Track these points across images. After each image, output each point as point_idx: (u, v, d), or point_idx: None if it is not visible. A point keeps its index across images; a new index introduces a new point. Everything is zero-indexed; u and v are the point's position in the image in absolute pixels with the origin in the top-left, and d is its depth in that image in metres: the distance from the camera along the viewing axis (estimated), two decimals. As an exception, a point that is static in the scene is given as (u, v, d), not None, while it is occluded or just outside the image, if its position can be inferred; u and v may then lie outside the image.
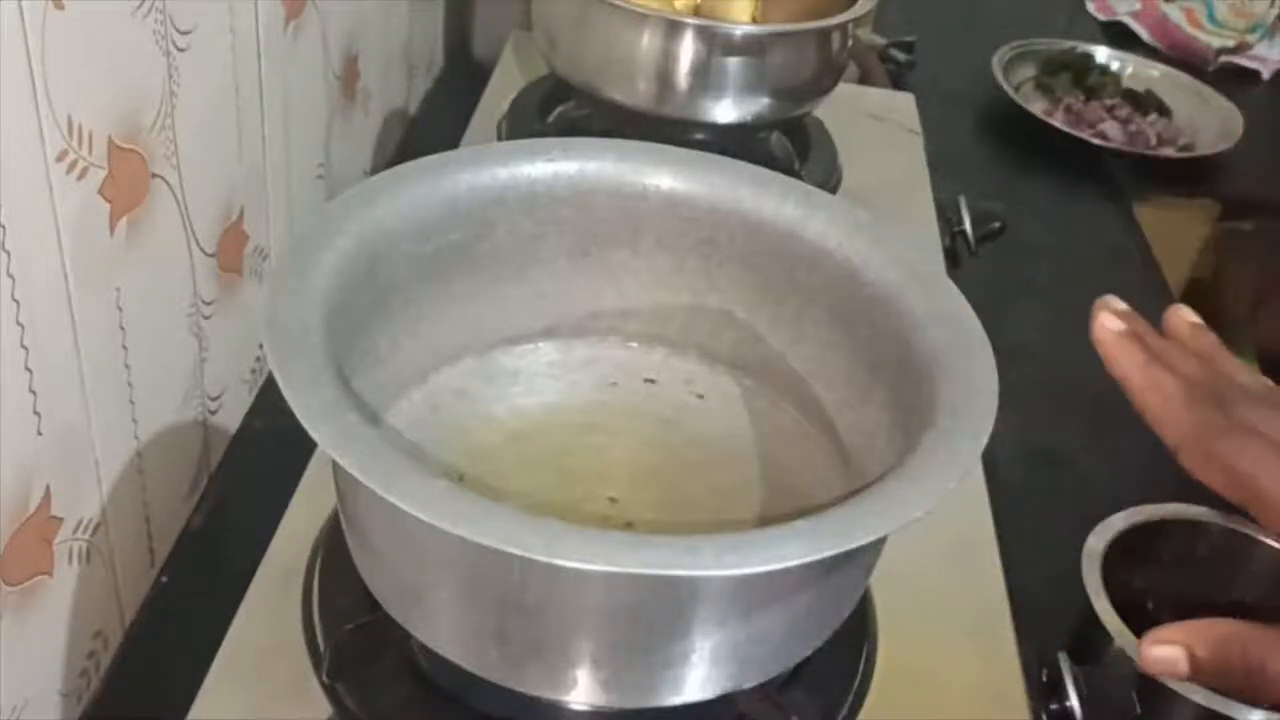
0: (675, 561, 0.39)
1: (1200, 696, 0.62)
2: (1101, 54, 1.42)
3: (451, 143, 0.91)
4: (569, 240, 0.60)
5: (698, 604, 0.44)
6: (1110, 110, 1.32)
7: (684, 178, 0.59)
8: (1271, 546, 0.72)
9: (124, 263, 0.57)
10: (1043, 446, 0.83)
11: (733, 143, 0.79)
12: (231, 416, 0.74)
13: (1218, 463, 0.44)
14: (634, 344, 0.63)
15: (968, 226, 0.95)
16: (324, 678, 0.52)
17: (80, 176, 0.52)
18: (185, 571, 0.65)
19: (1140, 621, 0.66)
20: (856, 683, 0.55)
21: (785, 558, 0.40)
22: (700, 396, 0.62)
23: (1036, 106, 1.31)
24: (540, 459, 0.57)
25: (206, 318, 0.68)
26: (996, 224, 0.96)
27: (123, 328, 0.58)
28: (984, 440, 0.45)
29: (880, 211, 0.59)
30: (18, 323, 0.49)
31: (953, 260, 0.92)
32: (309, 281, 0.48)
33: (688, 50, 0.82)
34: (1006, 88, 1.31)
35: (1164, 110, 1.32)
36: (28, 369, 0.50)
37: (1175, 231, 1.21)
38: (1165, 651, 0.39)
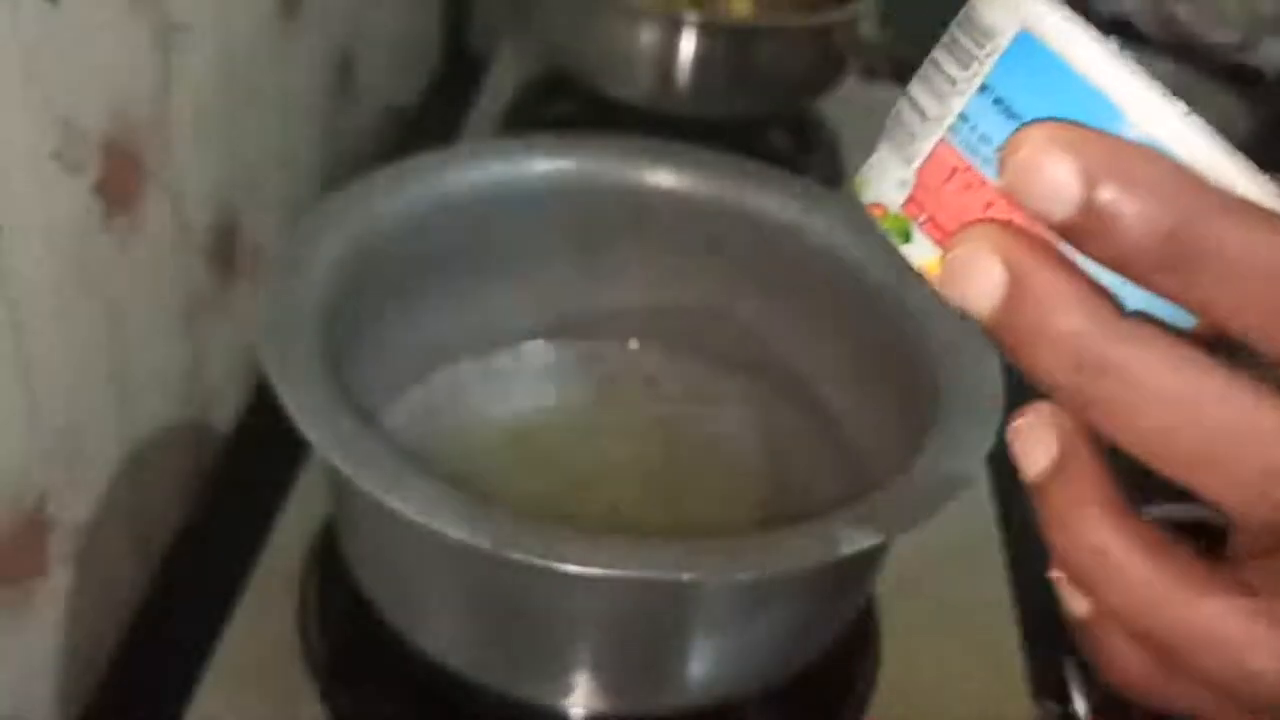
0: (676, 565, 0.39)
1: (1206, 699, 0.62)
2: (1105, 50, 1.41)
3: (450, 139, 0.90)
4: (569, 238, 0.59)
5: (699, 608, 0.44)
6: (1114, 107, 1.31)
7: (685, 175, 0.59)
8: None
9: (118, 261, 0.57)
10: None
11: (734, 139, 0.78)
12: (227, 417, 0.73)
13: None
14: (634, 344, 0.62)
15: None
16: (320, 681, 0.51)
17: (74, 175, 0.51)
18: (180, 574, 0.65)
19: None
20: (861, 686, 0.54)
21: (787, 562, 0.39)
22: (700, 397, 0.61)
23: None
24: (539, 460, 0.57)
25: (203, 316, 0.67)
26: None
27: (118, 326, 0.57)
28: (990, 442, 0.44)
29: (883, 209, 0.58)
30: (12, 323, 0.48)
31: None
32: (305, 281, 0.48)
33: (688, 46, 0.81)
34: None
35: (1168, 107, 1.31)
36: (22, 369, 0.50)
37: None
38: (1043, 164, 0.20)
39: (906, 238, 0.24)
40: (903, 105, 0.25)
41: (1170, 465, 0.21)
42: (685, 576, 0.39)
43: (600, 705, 0.46)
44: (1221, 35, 1.50)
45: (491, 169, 0.57)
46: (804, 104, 0.92)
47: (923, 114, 0.24)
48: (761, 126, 0.93)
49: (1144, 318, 0.21)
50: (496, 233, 0.57)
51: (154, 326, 0.62)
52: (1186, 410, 0.20)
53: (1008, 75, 0.22)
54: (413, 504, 0.39)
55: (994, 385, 0.47)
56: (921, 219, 0.24)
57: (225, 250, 0.69)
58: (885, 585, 0.55)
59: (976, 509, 0.67)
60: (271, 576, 0.57)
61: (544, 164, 0.57)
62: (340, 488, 0.49)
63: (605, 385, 0.61)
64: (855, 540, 0.40)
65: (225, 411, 0.73)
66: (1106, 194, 0.20)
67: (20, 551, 0.52)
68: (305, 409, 0.41)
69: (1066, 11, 0.22)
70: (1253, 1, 1.53)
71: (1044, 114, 0.21)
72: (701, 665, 0.45)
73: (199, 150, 0.64)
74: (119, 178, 0.55)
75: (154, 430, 0.63)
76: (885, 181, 0.25)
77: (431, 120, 1.04)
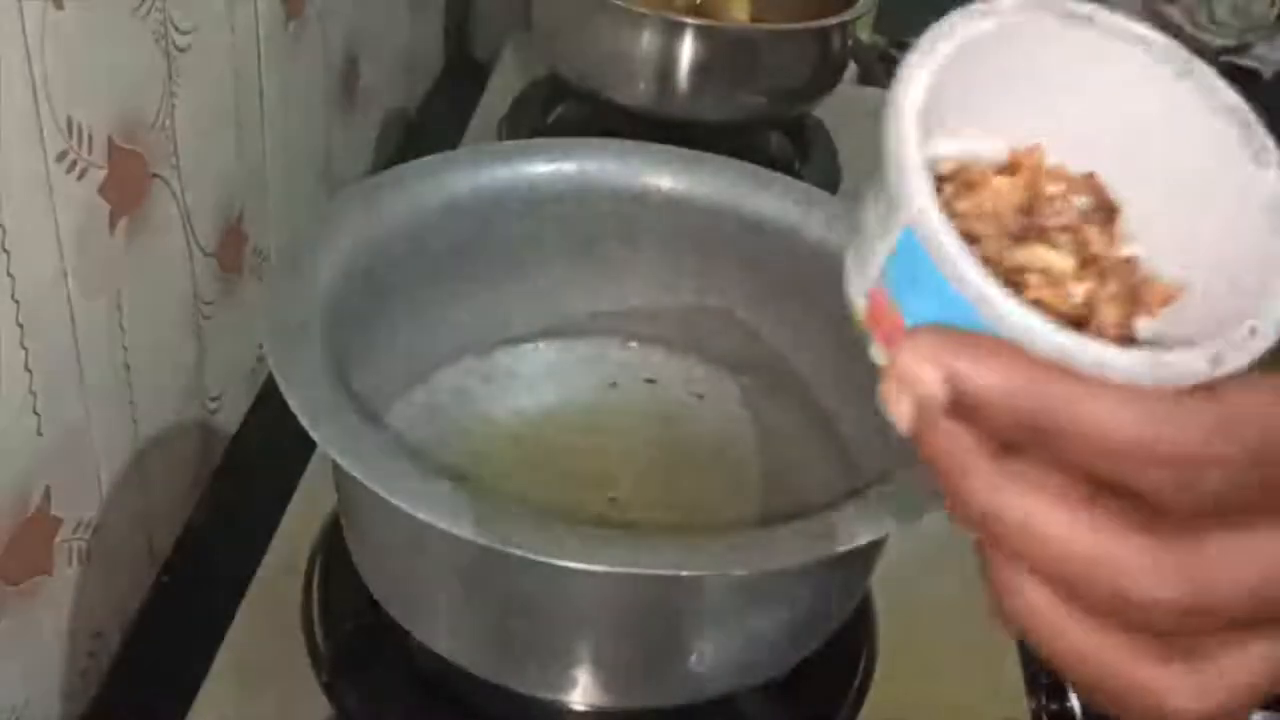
0: (675, 561, 0.39)
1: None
2: (1101, 54, 1.42)
3: (452, 143, 0.90)
4: (569, 240, 0.60)
5: (698, 604, 0.44)
6: (1110, 110, 1.31)
7: (684, 178, 0.59)
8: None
9: (124, 263, 0.57)
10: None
11: (732, 143, 0.79)
12: (231, 416, 0.74)
13: None
14: (634, 344, 0.63)
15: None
16: (324, 678, 0.52)
17: (80, 177, 0.52)
18: (185, 571, 0.65)
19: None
20: (857, 683, 0.55)
21: (785, 558, 0.40)
22: (700, 396, 0.62)
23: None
24: (540, 459, 0.57)
25: (206, 318, 0.68)
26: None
27: (123, 327, 0.58)
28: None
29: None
30: (18, 323, 0.49)
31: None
32: (309, 281, 0.48)
33: (687, 50, 0.82)
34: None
35: (1164, 110, 1.32)
36: (28, 369, 0.50)
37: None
38: (917, 372, 0.24)
39: (870, 340, 0.28)
40: (861, 219, 0.27)
41: (1045, 581, 0.25)
42: (684, 572, 0.40)
43: (601, 699, 0.46)
44: (1215, 38, 1.51)
45: (493, 172, 0.57)
46: (801, 108, 0.92)
47: (870, 244, 0.26)
48: (759, 130, 0.93)
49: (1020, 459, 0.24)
50: (498, 235, 0.58)
51: (159, 327, 0.62)
52: (1046, 543, 0.24)
53: (904, 253, 0.25)
54: (416, 501, 0.39)
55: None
56: (874, 332, 0.27)
57: (230, 251, 0.70)
58: (882, 580, 0.55)
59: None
60: (276, 574, 0.57)
61: (545, 167, 0.58)
62: (345, 486, 0.49)
63: (605, 385, 0.61)
64: (851, 537, 0.40)
65: (230, 411, 0.73)
66: (968, 395, 0.24)
67: (26, 550, 0.53)
68: (310, 408, 0.42)
69: (935, 213, 0.24)
70: (1246, 4, 1.53)
71: (926, 298, 0.25)
72: (700, 660, 0.45)
73: (204, 153, 0.64)
74: (124, 179, 0.56)
75: (159, 429, 0.64)
76: (853, 287, 0.28)
77: (434, 124, 1.05)
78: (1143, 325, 0.27)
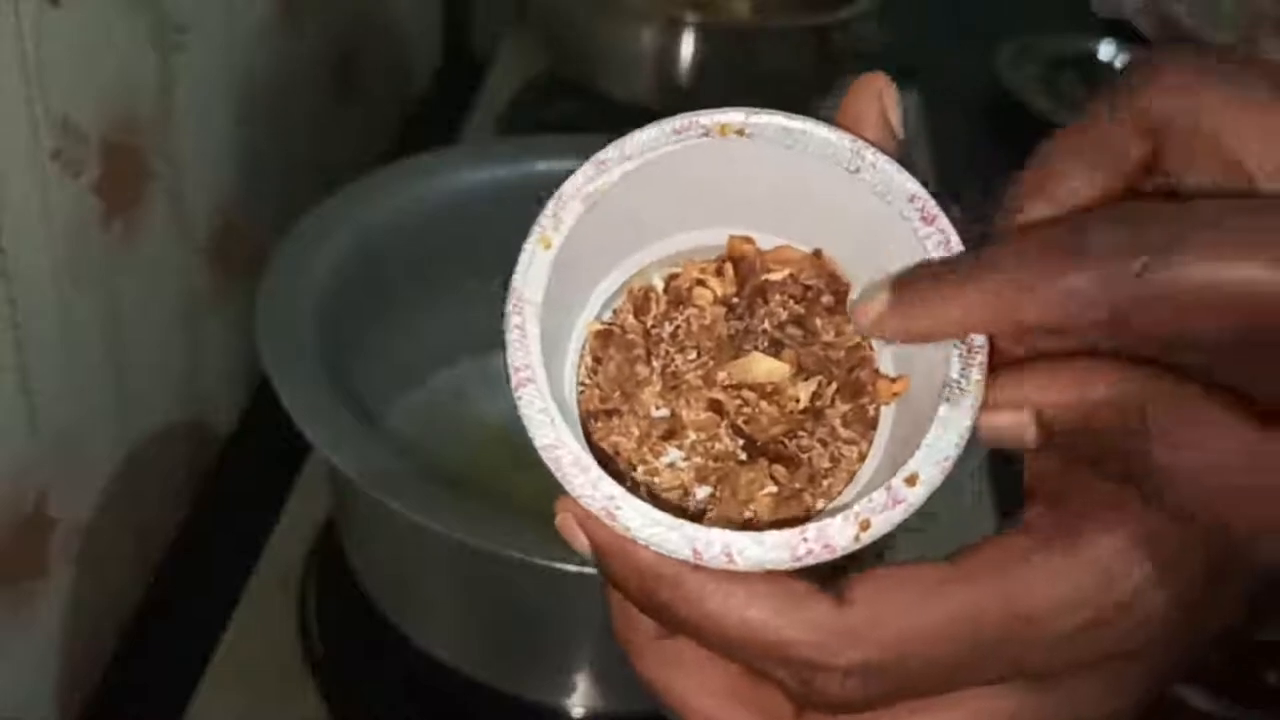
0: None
1: (1202, 700, 0.62)
2: (1105, 51, 1.41)
3: (450, 140, 0.90)
4: (568, 239, 0.59)
5: (697, 607, 0.44)
6: (1113, 107, 1.31)
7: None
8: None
9: (119, 261, 0.57)
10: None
11: (733, 140, 0.78)
12: (227, 417, 0.73)
13: None
14: (633, 343, 0.62)
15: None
16: (319, 680, 0.51)
17: (75, 175, 0.52)
18: (181, 572, 0.65)
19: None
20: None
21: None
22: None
23: (1040, 104, 1.31)
24: (538, 460, 0.57)
25: (202, 317, 0.67)
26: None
27: (118, 327, 0.57)
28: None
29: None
30: (12, 323, 0.48)
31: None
32: (305, 280, 0.48)
33: (687, 46, 0.81)
34: (1010, 86, 1.31)
35: (1167, 107, 1.32)
36: (22, 370, 0.50)
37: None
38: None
39: None
40: None
41: None
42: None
43: (599, 704, 0.46)
44: (1220, 35, 1.50)
45: (491, 169, 0.57)
46: (803, 105, 0.92)
47: None
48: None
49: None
50: (497, 233, 0.57)
51: (154, 326, 0.62)
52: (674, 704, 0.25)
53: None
54: (413, 504, 0.39)
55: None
56: None
57: (225, 250, 0.69)
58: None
59: (977, 508, 0.67)
60: (271, 576, 0.57)
61: (544, 164, 0.58)
62: (341, 488, 0.49)
63: (604, 385, 0.61)
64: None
65: (225, 412, 0.73)
66: (606, 575, 0.25)
67: (20, 552, 0.52)
68: (306, 409, 0.41)
69: (558, 454, 0.24)
70: (1251, 1, 1.53)
71: None
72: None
73: (199, 150, 0.64)
74: (119, 178, 0.55)
75: (154, 430, 0.63)
76: None
77: (432, 120, 1.05)
78: (885, 413, 0.26)
